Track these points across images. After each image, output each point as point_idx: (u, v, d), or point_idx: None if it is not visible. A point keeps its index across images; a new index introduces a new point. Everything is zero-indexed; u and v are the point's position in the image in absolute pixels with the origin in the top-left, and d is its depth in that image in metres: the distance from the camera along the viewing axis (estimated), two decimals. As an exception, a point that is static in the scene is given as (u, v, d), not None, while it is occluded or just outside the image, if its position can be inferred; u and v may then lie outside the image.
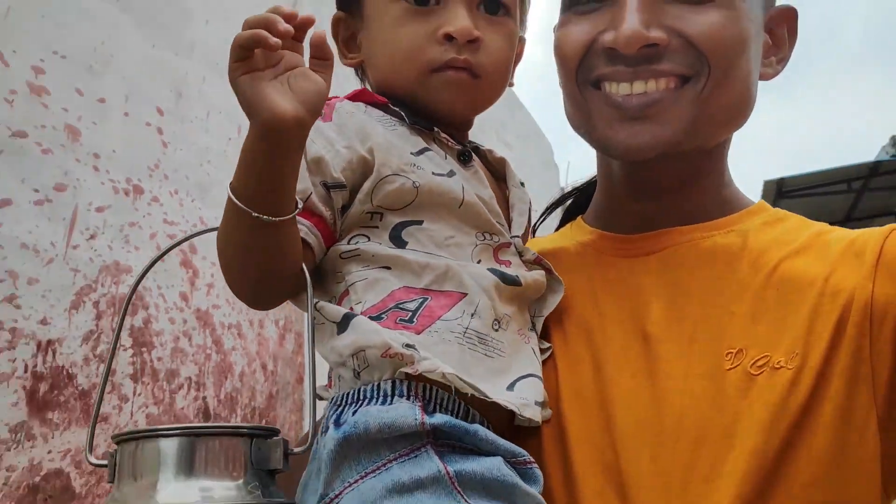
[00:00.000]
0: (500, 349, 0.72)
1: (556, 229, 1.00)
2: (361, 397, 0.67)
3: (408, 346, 0.66)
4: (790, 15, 0.86)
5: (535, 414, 0.71)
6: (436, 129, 0.78)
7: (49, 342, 1.80)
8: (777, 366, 0.69)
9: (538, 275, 0.79)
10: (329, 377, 0.76)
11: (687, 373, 0.73)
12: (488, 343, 0.71)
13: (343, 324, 0.68)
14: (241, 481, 0.61)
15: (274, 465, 0.62)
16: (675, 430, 0.70)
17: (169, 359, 2.14)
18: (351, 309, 0.70)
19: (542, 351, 0.79)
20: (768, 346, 0.71)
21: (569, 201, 1.02)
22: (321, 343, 0.71)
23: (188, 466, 0.60)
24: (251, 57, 0.62)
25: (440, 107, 0.79)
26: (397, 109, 0.78)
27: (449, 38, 0.76)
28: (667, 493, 0.69)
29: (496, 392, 0.69)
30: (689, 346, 0.74)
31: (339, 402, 0.68)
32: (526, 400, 0.71)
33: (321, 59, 0.66)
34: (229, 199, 0.65)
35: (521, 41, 0.87)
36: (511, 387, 0.71)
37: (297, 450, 0.64)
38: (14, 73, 1.78)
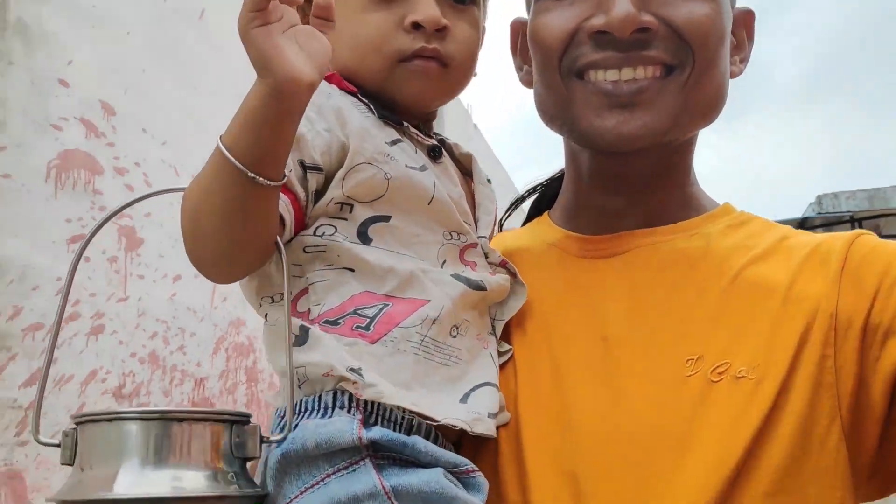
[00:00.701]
0: (456, 356, 0.71)
1: (524, 223, 0.97)
2: (303, 409, 0.66)
3: (352, 369, 0.65)
4: (749, 17, 0.87)
5: (488, 428, 0.70)
6: (405, 123, 0.76)
7: (201, 379, 2.43)
8: (739, 375, 0.69)
9: (502, 279, 0.77)
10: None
11: (646, 378, 0.72)
12: (444, 350, 0.70)
13: (302, 336, 0.67)
14: (215, 470, 0.57)
15: (251, 453, 0.60)
16: (632, 437, 0.69)
17: (268, 391, 2.77)
18: (308, 311, 0.69)
19: (502, 354, 0.77)
20: (728, 353, 0.70)
21: (535, 196, 0.99)
22: (273, 348, 0.71)
23: (157, 453, 0.56)
24: (267, 9, 0.58)
25: (408, 98, 0.77)
26: (365, 101, 0.75)
27: (416, 26, 0.74)
28: (623, 501, 0.68)
29: (447, 408, 0.68)
30: (649, 350, 0.73)
31: (282, 413, 0.68)
32: (478, 414, 0.70)
33: (326, 19, 0.63)
34: (220, 156, 0.61)
35: (483, 31, 0.84)
36: (465, 398, 0.70)
37: (273, 438, 0.62)
38: (183, 183, 2.43)
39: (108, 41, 2.16)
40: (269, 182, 0.61)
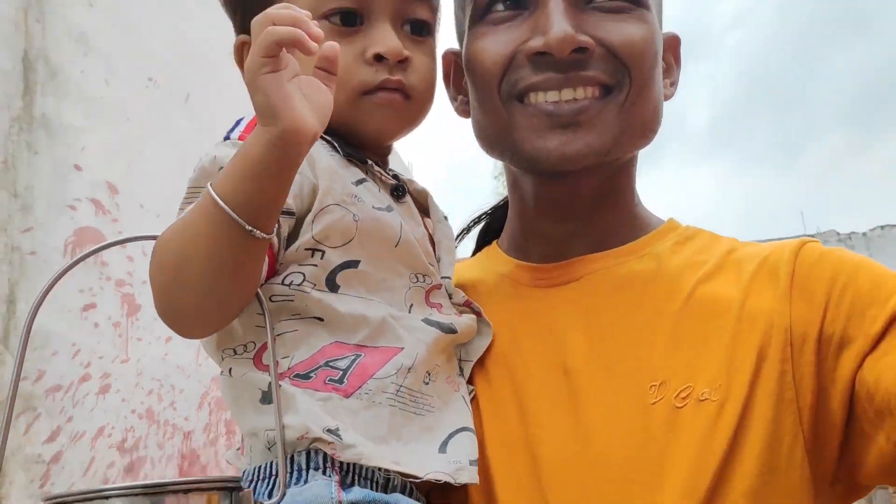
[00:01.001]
0: (430, 404, 0.69)
1: (473, 254, 0.97)
2: (274, 472, 0.62)
3: (329, 430, 0.62)
4: (675, 42, 0.87)
5: (471, 477, 0.68)
6: (369, 161, 0.74)
7: (189, 432, 2.63)
8: (702, 398, 0.67)
9: (469, 319, 0.76)
10: (243, 440, 0.71)
11: (610, 409, 0.70)
12: (418, 400, 0.68)
13: (270, 394, 0.63)
14: None
15: None
16: (602, 470, 0.68)
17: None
18: (277, 363, 0.65)
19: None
20: (690, 377, 0.69)
21: (480, 225, 0.98)
22: (238, 405, 0.67)
23: None
24: (278, 56, 0.56)
25: (372, 131, 0.75)
26: (329, 139, 0.73)
27: (379, 58, 0.73)
28: None
29: (427, 460, 0.66)
30: (611, 379, 0.71)
31: (251, 477, 0.65)
32: (459, 462, 0.68)
33: (329, 72, 0.62)
34: (213, 206, 0.58)
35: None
36: (444, 447, 0.68)
37: (268, 502, 0.57)
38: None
39: (112, 127, 2.41)
40: (264, 235, 0.60)
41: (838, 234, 10.69)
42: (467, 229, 0.99)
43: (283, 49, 0.57)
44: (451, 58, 0.89)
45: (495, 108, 0.78)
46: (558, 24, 0.73)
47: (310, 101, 0.59)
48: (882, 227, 10.85)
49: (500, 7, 0.78)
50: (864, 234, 10.78)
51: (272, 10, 0.57)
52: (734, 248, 0.79)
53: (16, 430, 1.93)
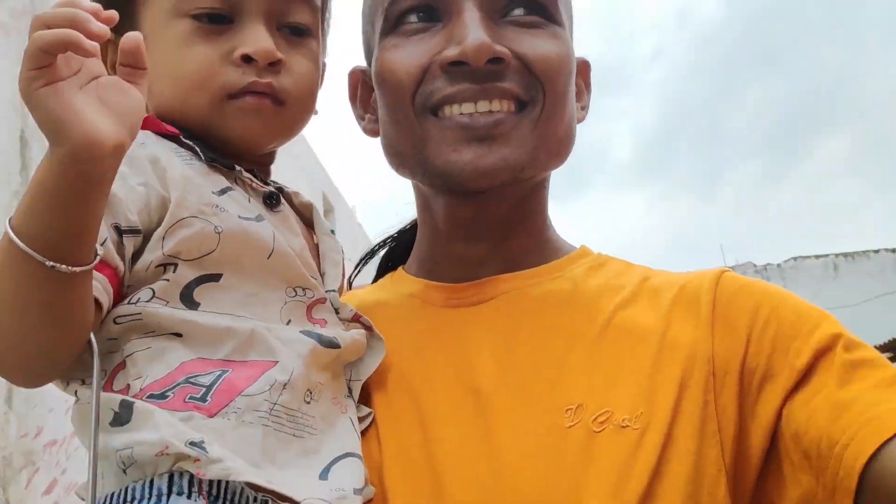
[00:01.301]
0: (311, 425, 0.62)
1: (373, 281, 0.92)
2: (130, 499, 0.55)
3: (193, 443, 0.54)
4: (586, 68, 0.87)
5: None
6: (238, 167, 0.68)
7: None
8: (623, 424, 0.65)
9: (357, 334, 0.70)
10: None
11: (523, 432, 0.67)
12: (298, 420, 0.61)
13: (124, 413, 0.56)
14: None
15: None
16: (513, 497, 0.64)
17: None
18: (127, 387, 0.58)
19: (362, 419, 0.70)
20: (609, 402, 0.66)
21: (383, 251, 0.94)
22: (85, 429, 0.58)
23: None
24: (53, 64, 0.49)
25: (238, 138, 0.70)
26: (190, 143, 0.66)
27: (247, 59, 0.67)
28: None
29: (305, 486, 0.59)
30: (525, 400, 0.68)
31: None
32: (342, 491, 0.61)
33: (135, 67, 0.54)
34: (9, 242, 0.51)
35: (323, 67, 0.79)
36: (325, 473, 0.62)
37: None
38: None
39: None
40: (74, 269, 0.52)
41: (755, 265, 11.26)
42: (371, 253, 0.94)
43: (61, 55, 0.50)
44: (359, 76, 0.87)
45: (408, 121, 0.76)
46: (474, 33, 0.72)
47: (110, 107, 0.52)
48: (795, 259, 11.51)
49: (413, 18, 0.77)
50: (778, 265, 11.41)
51: (46, 11, 0.50)
52: (648, 276, 0.79)
53: (18, 484, 2.07)
